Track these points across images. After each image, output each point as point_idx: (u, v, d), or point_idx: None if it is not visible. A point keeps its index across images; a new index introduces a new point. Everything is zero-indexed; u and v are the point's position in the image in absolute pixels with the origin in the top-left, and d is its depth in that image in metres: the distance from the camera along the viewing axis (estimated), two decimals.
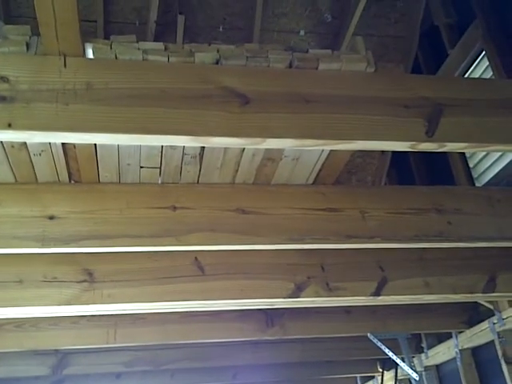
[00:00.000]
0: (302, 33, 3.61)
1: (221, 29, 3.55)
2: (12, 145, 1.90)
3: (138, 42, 1.68)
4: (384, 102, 1.74)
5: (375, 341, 3.32)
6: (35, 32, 1.63)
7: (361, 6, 3.31)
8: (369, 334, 3.35)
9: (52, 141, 1.74)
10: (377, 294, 2.51)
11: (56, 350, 3.67)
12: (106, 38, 3.30)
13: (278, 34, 3.61)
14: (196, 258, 2.50)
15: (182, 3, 3.39)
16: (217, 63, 1.69)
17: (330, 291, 2.53)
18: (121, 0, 3.40)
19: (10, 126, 1.44)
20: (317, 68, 1.75)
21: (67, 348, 3.60)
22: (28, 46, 1.56)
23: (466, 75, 3.26)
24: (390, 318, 3.39)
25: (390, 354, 3.39)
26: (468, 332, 3.58)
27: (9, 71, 1.51)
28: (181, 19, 3.35)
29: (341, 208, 2.23)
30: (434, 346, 4.04)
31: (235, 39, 3.51)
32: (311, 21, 3.61)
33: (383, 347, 3.36)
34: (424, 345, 4.14)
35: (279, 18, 3.58)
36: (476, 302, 3.45)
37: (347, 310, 3.33)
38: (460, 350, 3.63)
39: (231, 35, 3.56)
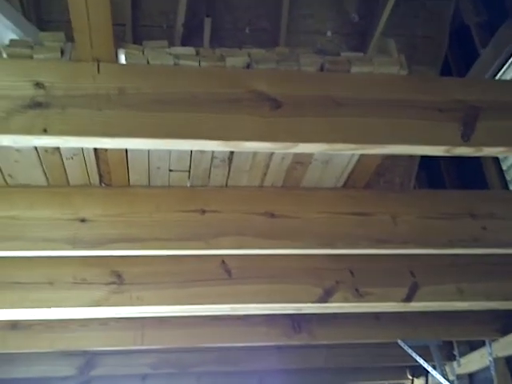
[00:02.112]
0: (328, 34, 3.58)
1: (247, 31, 3.54)
2: (45, 149, 1.93)
3: (169, 47, 1.68)
4: (417, 105, 1.71)
5: (406, 347, 3.26)
6: (68, 37, 1.65)
7: (389, 5, 3.26)
8: (399, 341, 3.30)
9: (86, 146, 1.76)
10: (408, 300, 2.47)
11: (84, 351, 3.70)
12: (135, 41, 3.33)
13: (305, 35, 3.58)
14: (223, 261, 2.50)
15: (209, 6, 3.39)
16: (247, 67, 1.69)
17: (360, 297, 2.50)
18: (149, 4, 3.42)
19: (45, 132, 1.46)
20: (348, 71, 1.73)
21: (95, 349, 3.62)
22: (62, 52, 1.58)
23: (498, 76, 3.19)
24: (421, 325, 3.32)
25: (421, 361, 3.33)
26: (502, 340, 3.47)
27: (44, 77, 1.53)
28: (207, 22, 3.36)
29: (371, 212, 2.20)
30: (466, 353, 3.95)
31: (262, 41, 3.50)
32: (338, 21, 3.58)
33: (414, 354, 3.30)
34: (456, 352, 4.04)
35: (306, 19, 3.56)
36: (510, 310, 3.36)
37: (376, 316, 3.27)
38: (494, 359, 3.53)
39: (258, 37, 3.54)
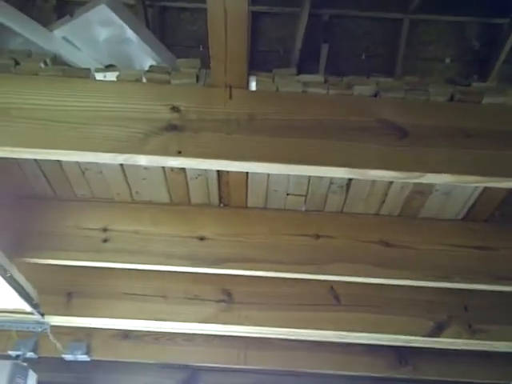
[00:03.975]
0: (447, 60, 3.50)
1: (363, 57, 3.54)
2: (172, 168, 2.04)
3: (298, 74, 1.72)
4: None
5: None
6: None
7: None
8: None
9: (216, 168, 1.83)
10: None
11: (186, 366, 3.80)
12: (251, 66, 3.44)
13: (423, 61, 3.52)
14: (332, 286, 2.48)
15: (327, 32, 3.44)
16: (375, 96, 1.68)
17: (473, 333, 2.38)
18: (267, 30, 3.54)
19: (180, 153, 1.54)
20: (480, 102, 1.67)
21: (197, 364, 3.71)
22: (197, 78, 1.66)
23: None
24: None
25: None
26: None
27: (180, 102, 1.61)
28: (324, 48, 3.40)
29: (493, 247, 2.10)
30: None
31: (377, 67, 3.49)
32: (458, 49, 3.49)
33: None
34: None
35: (424, 45, 3.50)
36: None
37: (488, 354, 3.08)
38: None
39: (374, 63, 3.54)
